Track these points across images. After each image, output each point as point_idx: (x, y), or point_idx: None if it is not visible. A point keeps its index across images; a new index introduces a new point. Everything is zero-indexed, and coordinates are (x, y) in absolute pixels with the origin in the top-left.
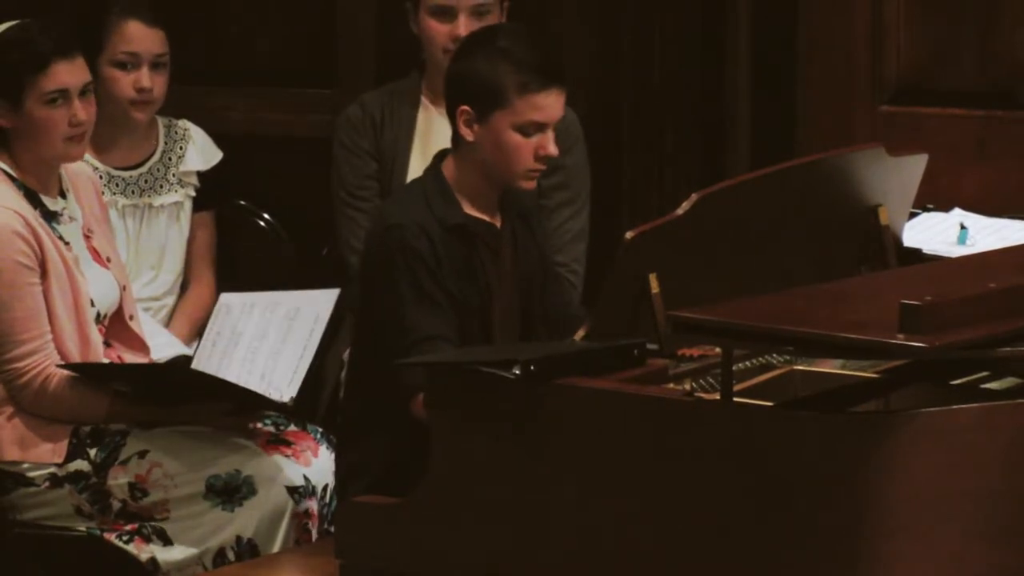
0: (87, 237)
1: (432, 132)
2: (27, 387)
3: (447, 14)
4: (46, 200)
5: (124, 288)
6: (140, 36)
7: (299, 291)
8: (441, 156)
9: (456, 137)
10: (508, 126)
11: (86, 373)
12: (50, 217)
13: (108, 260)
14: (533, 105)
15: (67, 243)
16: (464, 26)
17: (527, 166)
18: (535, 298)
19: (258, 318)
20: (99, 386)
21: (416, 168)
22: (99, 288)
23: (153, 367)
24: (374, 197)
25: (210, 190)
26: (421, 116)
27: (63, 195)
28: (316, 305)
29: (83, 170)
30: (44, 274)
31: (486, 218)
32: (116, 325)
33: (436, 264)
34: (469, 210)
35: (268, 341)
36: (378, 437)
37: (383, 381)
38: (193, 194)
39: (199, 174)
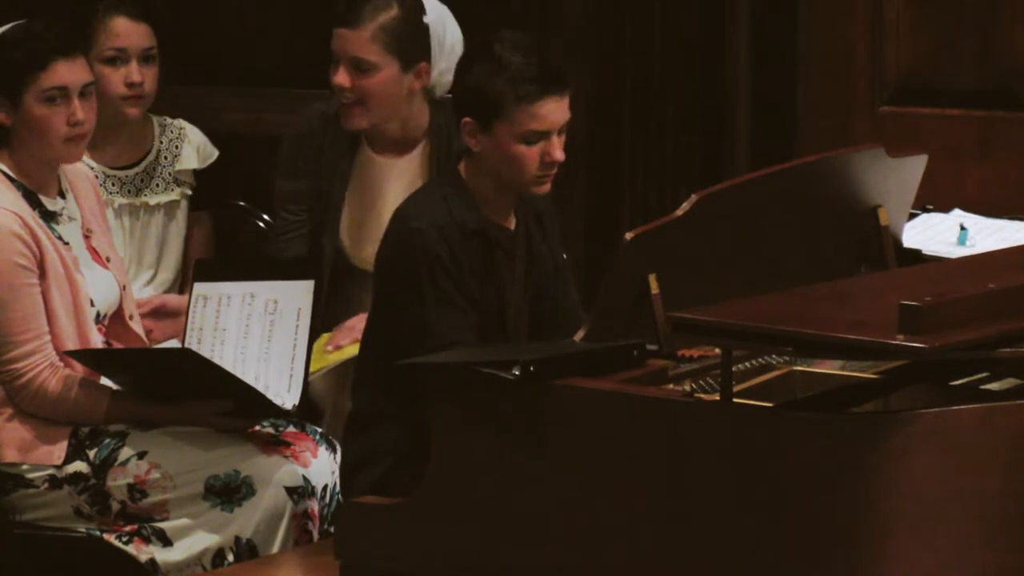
0: (86, 237)
1: (370, 165)
2: (25, 388)
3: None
4: (45, 200)
5: (124, 288)
6: (126, 31)
7: (273, 281)
8: (459, 158)
9: (467, 146)
10: (510, 136)
11: (91, 359)
12: (49, 217)
13: (107, 260)
14: (532, 115)
15: (66, 243)
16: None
17: (534, 173)
18: (545, 300)
19: (238, 311)
20: (98, 386)
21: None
22: (99, 288)
23: (160, 351)
24: (302, 212)
25: (207, 189)
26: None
27: (62, 195)
28: (294, 298)
29: (82, 170)
30: (43, 275)
31: (501, 222)
32: (116, 326)
33: (456, 267)
34: (486, 213)
35: (254, 340)
36: (384, 434)
37: (387, 382)
38: (189, 193)
39: (195, 173)
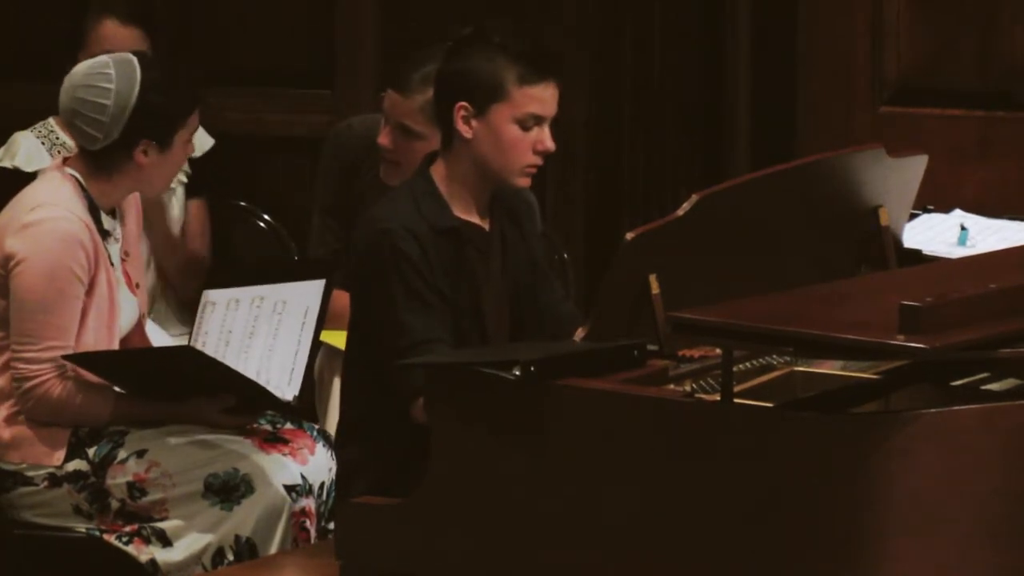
0: (123, 260)
1: None
2: (29, 393)
3: None
4: (104, 217)
5: (142, 316)
6: (114, 35)
7: (284, 284)
8: (429, 160)
9: (449, 137)
10: (507, 119)
11: (90, 361)
12: (104, 235)
13: (137, 286)
14: (531, 97)
15: (112, 264)
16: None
17: (526, 161)
18: (524, 299)
19: (245, 314)
20: (101, 392)
21: None
22: (124, 313)
23: (159, 350)
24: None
25: (202, 176)
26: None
27: (113, 214)
28: (303, 297)
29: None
30: (89, 290)
31: (475, 221)
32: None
33: (427, 267)
34: (458, 213)
35: (259, 338)
36: (375, 439)
37: (379, 383)
38: (184, 180)
39: (190, 161)
